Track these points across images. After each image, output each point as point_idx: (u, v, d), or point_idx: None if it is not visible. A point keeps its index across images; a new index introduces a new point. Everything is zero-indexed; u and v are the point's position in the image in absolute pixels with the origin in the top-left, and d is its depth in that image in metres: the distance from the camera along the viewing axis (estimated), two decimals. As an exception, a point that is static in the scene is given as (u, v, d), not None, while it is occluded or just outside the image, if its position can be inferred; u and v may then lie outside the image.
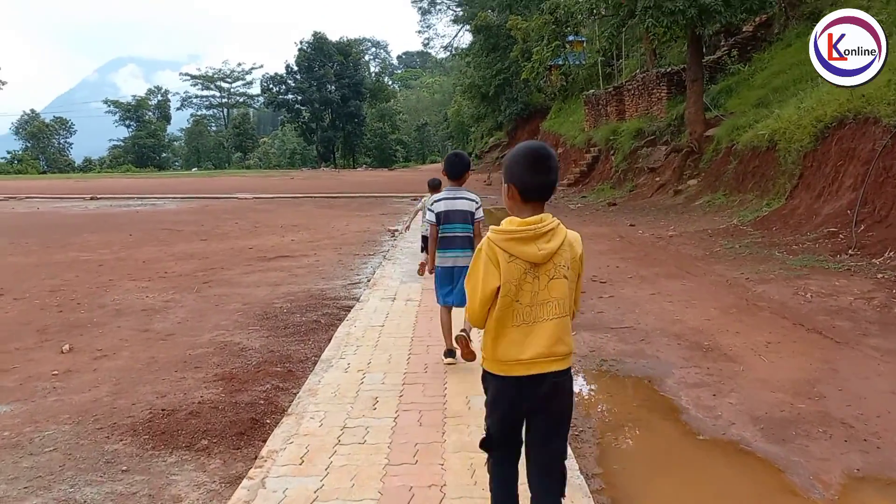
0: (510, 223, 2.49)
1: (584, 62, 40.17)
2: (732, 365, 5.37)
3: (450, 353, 5.37)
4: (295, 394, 4.91)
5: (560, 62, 40.35)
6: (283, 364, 5.67)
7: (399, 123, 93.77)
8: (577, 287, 2.62)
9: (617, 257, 10.83)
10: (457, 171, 5.34)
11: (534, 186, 2.50)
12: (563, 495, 2.60)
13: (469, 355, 5.10)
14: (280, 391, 5.03)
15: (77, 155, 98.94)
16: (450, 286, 5.42)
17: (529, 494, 2.58)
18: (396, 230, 15.17)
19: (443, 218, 5.29)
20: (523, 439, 2.62)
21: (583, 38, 41.55)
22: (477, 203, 5.35)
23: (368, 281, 9.25)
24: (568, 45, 39.97)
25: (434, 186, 10.07)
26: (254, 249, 12.84)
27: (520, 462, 2.66)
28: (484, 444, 2.69)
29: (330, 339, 6.25)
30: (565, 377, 2.53)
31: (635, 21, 18.61)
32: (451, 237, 5.31)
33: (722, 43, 24.80)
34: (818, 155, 12.20)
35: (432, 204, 5.40)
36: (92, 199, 28.23)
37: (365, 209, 21.77)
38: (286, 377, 5.34)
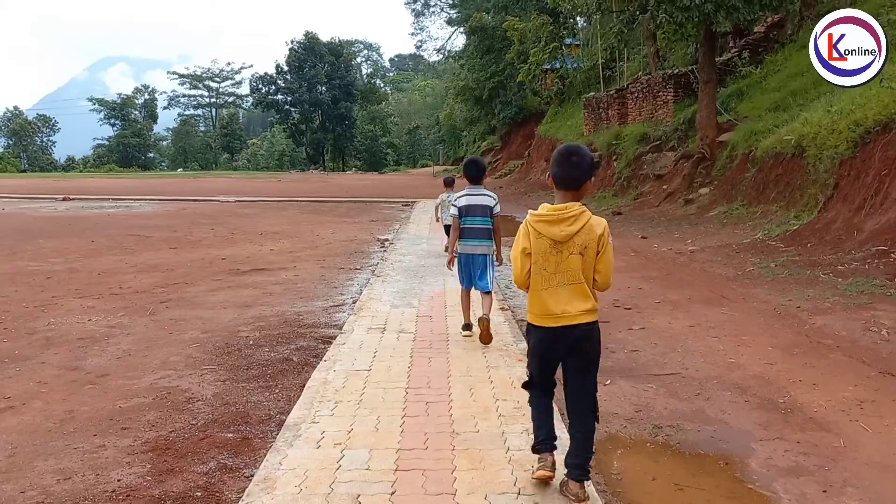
0: (542, 209, 3.24)
1: (581, 65, 39.03)
2: (828, 437, 4.08)
3: (467, 326, 6.27)
4: (248, 479, 3.57)
5: (558, 65, 39.30)
6: (237, 426, 4.34)
7: (390, 126, 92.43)
8: (603, 260, 3.24)
9: (637, 277, 9.55)
10: (476, 175, 6.21)
11: (560, 177, 3.22)
12: (595, 417, 3.28)
13: (488, 338, 5.77)
14: (227, 473, 3.69)
15: (64, 154, 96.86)
16: (471, 273, 6.19)
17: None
18: (386, 240, 13.84)
19: (464, 212, 6.09)
20: (556, 381, 3.39)
21: (579, 42, 40.50)
22: (495, 200, 6.20)
23: (354, 303, 7.92)
24: (565, 49, 38.98)
25: (449, 183, 11.39)
26: (227, 260, 11.48)
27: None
28: (526, 385, 3.49)
29: (302, 388, 4.91)
30: (591, 328, 3.24)
31: (647, 16, 17.41)
32: (470, 228, 6.10)
33: (730, 44, 23.68)
34: (857, 163, 10.98)
35: (456, 200, 6.23)
36: (64, 199, 26.74)
37: (353, 215, 20.43)
38: (238, 449, 4.00)
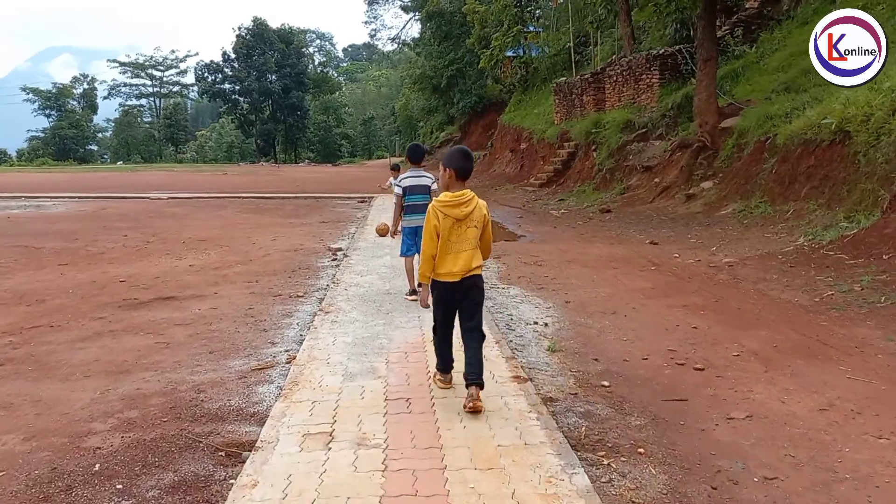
0: (445, 195, 4.35)
1: (546, 50, 36.75)
2: None
3: (413, 292, 7.21)
4: None
5: (521, 52, 37.04)
6: None
7: (344, 117, 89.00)
8: (486, 233, 4.42)
9: (678, 306, 7.06)
10: (418, 157, 7.52)
11: (460, 170, 4.35)
12: (482, 344, 4.35)
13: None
14: None
15: (4, 147, 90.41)
16: (413, 241, 7.18)
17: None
18: (339, 249, 11.14)
19: (408, 191, 7.18)
20: (455, 323, 4.50)
21: (540, 29, 38.21)
22: (432, 179, 7.15)
23: (287, 364, 5.26)
24: (527, 36, 36.74)
25: (395, 168, 11.76)
26: (126, 283, 8.67)
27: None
28: (434, 329, 4.60)
29: None
30: (479, 279, 4.39)
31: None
32: (413, 205, 7.13)
33: (716, 22, 21.46)
34: (936, 151, 8.71)
35: (400, 180, 7.35)
36: (-35, 199, 23.27)
37: (301, 214, 17.62)
38: None
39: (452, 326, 4.49)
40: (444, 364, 4.59)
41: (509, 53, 36.87)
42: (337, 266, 9.64)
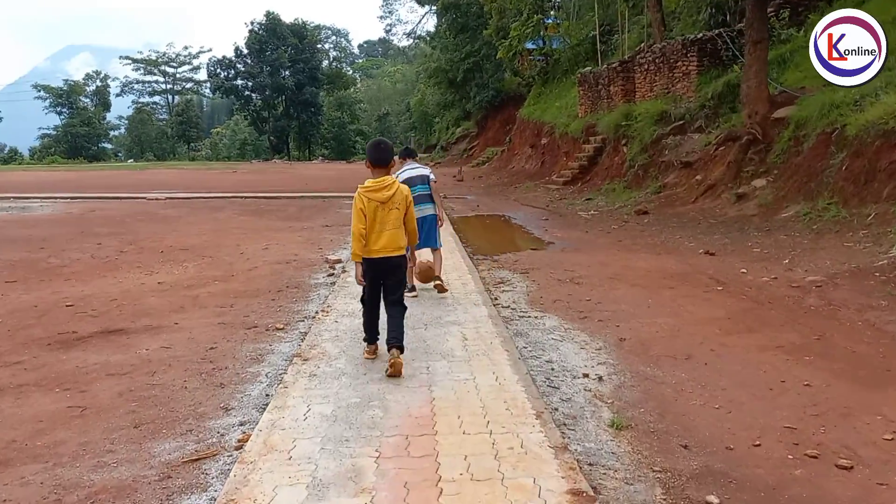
0: (368, 182, 4.96)
1: (567, 41, 34.92)
2: None
3: (412, 288, 7.15)
4: None
5: (542, 43, 35.30)
6: None
7: (359, 113, 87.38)
8: (409, 212, 5.03)
9: (770, 347, 5.32)
10: (412, 154, 7.86)
11: (375, 159, 5.04)
12: (403, 314, 4.96)
13: (443, 290, 7.25)
14: None
15: (20, 146, 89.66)
16: (421, 232, 6.61)
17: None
18: (338, 262, 9.49)
19: (408, 183, 6.56)
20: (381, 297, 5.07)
21: (559, 20, 36.42)
22: (428, 170, 7.57)
23: (237, 450, 3.63)
24: (546, 28, 35.01)
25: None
26: (73, 308, 7.08)
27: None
28: (362, 301, 5.14)
29: None
30: (401, 259, 4.99)
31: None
32: (415, 196, 6.21)
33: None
34: None
35: (397, 175, 6.82)
36: (-50, 199, 21.87)
37: (304, 217, 16.02)
38: None
39: (379, 301, 5.07)
40: (371, 336, 5.13)
41: (529, 46, 35.22)
42: (332, 284, 7.99)
